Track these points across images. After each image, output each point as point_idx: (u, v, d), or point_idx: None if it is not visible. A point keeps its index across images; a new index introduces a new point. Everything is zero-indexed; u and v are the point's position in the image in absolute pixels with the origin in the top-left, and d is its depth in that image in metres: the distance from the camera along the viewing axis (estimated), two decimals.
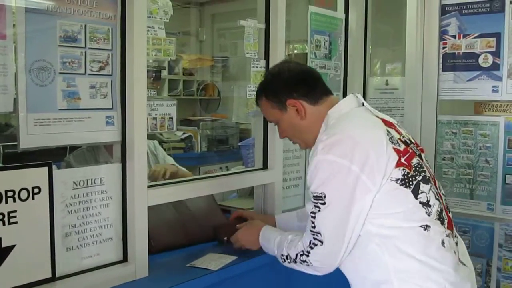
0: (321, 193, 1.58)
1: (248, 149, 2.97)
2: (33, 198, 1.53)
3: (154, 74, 1.88)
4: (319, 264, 1.62)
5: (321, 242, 1.59)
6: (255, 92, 2.32)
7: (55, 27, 1.58)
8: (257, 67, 2.36)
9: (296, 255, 1.66)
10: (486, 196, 2.74)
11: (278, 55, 2.38)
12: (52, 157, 1.68)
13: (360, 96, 1.78)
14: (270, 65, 2.39)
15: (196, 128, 5.50)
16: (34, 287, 1.55)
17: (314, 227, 1.60)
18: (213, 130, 5.61)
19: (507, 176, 2.67)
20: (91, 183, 1.71)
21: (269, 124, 2.42)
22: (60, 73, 1.60)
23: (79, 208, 1.68)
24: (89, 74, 1.68)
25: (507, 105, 2.67)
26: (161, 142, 4.78)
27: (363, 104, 1.77)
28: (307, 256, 1.62)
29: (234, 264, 1.99)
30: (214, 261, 2.00)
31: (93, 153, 2.41)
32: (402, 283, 1.56)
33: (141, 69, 1.77)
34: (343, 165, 1.55)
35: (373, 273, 1.60)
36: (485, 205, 2.75)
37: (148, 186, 1.86)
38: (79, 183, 1.68)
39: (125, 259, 1.81)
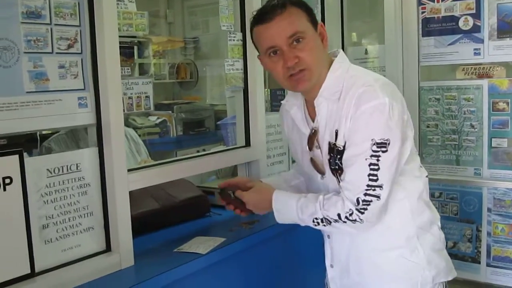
0: (386, 140, 1.46)
1: (227, 128, 2.87)
2: (4, 190, 1.41)
3: (127, 51, 1.76)
4: (375, 218, 1.50)
5: (378, 197, 1.47)
6: (234, 67, 2.24)
7: (16, 2, 1.45)
8: (234, 40, 2.26)
9: (339, 215, 1.50)
10: (473, 161, 2.71)
11: None
12: (26, 146, 1.56)
13: None
14: (247, 38, 2.29)
15: (170, 112, 5.36)
16: (13, 284, 1.44)
17: (376, 179, 1.46)
18: (188, 113, 5.48)
19: (493, 139, 2.64)
20: (67, 170, 1.60)
21: (250, 99, 2.32)
22: (25, 52, 1.47)
23: (55, 197, 1.57)
24: (57, 53, 1.56)
25: (490, 67, 2.62)
26: (135, 128, 4.66)
27: None
28: (362, 213, 1.48)
29: (223, 246, 1.91)
30: (202, 244, 1.91)
31: (73, 138, 2.28)
32: (420, 232, 1.61)
33: (113, 45, 1.65)
34: (399, 109, 1.49)
35: (396, 221, 1.58)
36: (472, 170, 2.72)
37: (128, 170, 1.75)
38: (54, 171, 1.56)
39: (108, 248, 1.71)
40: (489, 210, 2.68)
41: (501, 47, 2.56)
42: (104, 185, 1.68)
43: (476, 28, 2.61)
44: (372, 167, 1.46)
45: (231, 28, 2.25)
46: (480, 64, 2.64)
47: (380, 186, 1.46)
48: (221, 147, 3.20)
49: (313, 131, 1.64)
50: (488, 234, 2.69)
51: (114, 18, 1.67)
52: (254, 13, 1.60)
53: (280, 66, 1.55)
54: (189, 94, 5.93)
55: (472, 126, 2.68)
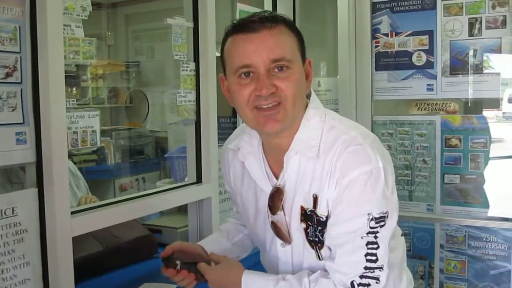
0: (385, 213, 1.22)
1: (174, 161, 2.72)
2: None
3: (72, 80, 1.60)
4: None
5: (377, 279, 1.23)
6: (187, 98, 2.11)
7: None
8: (186, 70, 2.13)
9: None
10: (425, 197, 2.68)
11: (209, 57, 2.16)
12: None
13: None
14: (201, 68, 2.17)
15: (108, 138, 5.12)
16: None
17: (375, 260, 1.22)
18: (127, 139, 5.27)
19: (445, 175, 2.62)
20: (1, 215, 1.40)
21: (202, 132, 2.19)
22: None
23: None
24: None
25: (443, 103, 2.62)
26: (70, 156, 4.40)
27: None
28: None
29: None
30: None
31: (4, 173, 2.06)
32: None
33: (57, 74, 1.48)
34: (392, 171, 1.27)
35: None
36: (424, 206, 2.69)
37: (72, 213, 1.57)
38: None
39: None
40: (441, 246, 2.66)
41: (453, 83, 2.56)
42: (44, 231, 1.49)
43: (429, 64, 2.61)
44: (370, 246, 1.23)
45: (184, 58, 2.12)
46: (433, 99, 2.64)
47: (380, 268, 1.23)
48: (167, 180, 3.05)
49: (276, 189, 1.36)
50: (441, 270, 2.66)
51: (60, 44, 1.50)
52: (234, 21, 1.30)
53: (248, 90, 1.25)
54: (129, 120, 5.72)
55: (425, 162, 2.66)
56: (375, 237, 1.22)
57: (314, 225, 1.30)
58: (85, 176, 3.12)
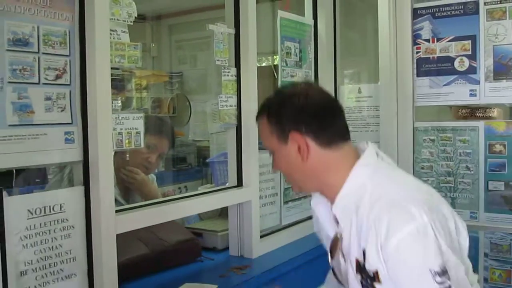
0: (445, 267, 1.19)
1: (216, 166, 2.76)
2: None
3: (118, 83, 1.66)
4: None
5: None
6: (228, 103, 2.15)
7: (2, 28, 1.34)
8: (228, 75, 2.17)
9: None
10: (469, 204, 2.62)
11: (249, 63, 2.20)
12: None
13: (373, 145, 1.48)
14: (242, 73, 2.21)
15: None
16: None
17: None
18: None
19: (489, 182, 2.56)
20: (50, 211, 1.47)
21: (243, 136, 2.23)
22: (10, 82, 1.36)
23: (36, 241, 1.43)
24: (44, 84, 1.45)
25: (486, 109, 2.57)
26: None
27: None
28: None
29: None
30: None
31: (58, 171, 2.12)
32: None
33: (104, 77, 1.55)
34: (442, 223, 1.27)
35: None
36: (468, 213, 2.63)
37: (116, 211, 1.63)
38: (35, 212, 1.43)
39: None
40: (485, 255, 2.60)
41: (497, 88, 2.51)
42: (90, 228, 1.55)
43: (472, 69, 2.57)
44: None
45: (226, 63, 2.16)
46: (476, 105, 2.59)
47: None
48: (208, 185, 3.09)
49: (337, 236, 1.45)
50: (485, 280, 2.60)
51: (107, 48, 1.57)
52: None
53: None
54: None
55: (468, 168, 2.61)
56: None
57: (366, 279, 1.31)
58: None
